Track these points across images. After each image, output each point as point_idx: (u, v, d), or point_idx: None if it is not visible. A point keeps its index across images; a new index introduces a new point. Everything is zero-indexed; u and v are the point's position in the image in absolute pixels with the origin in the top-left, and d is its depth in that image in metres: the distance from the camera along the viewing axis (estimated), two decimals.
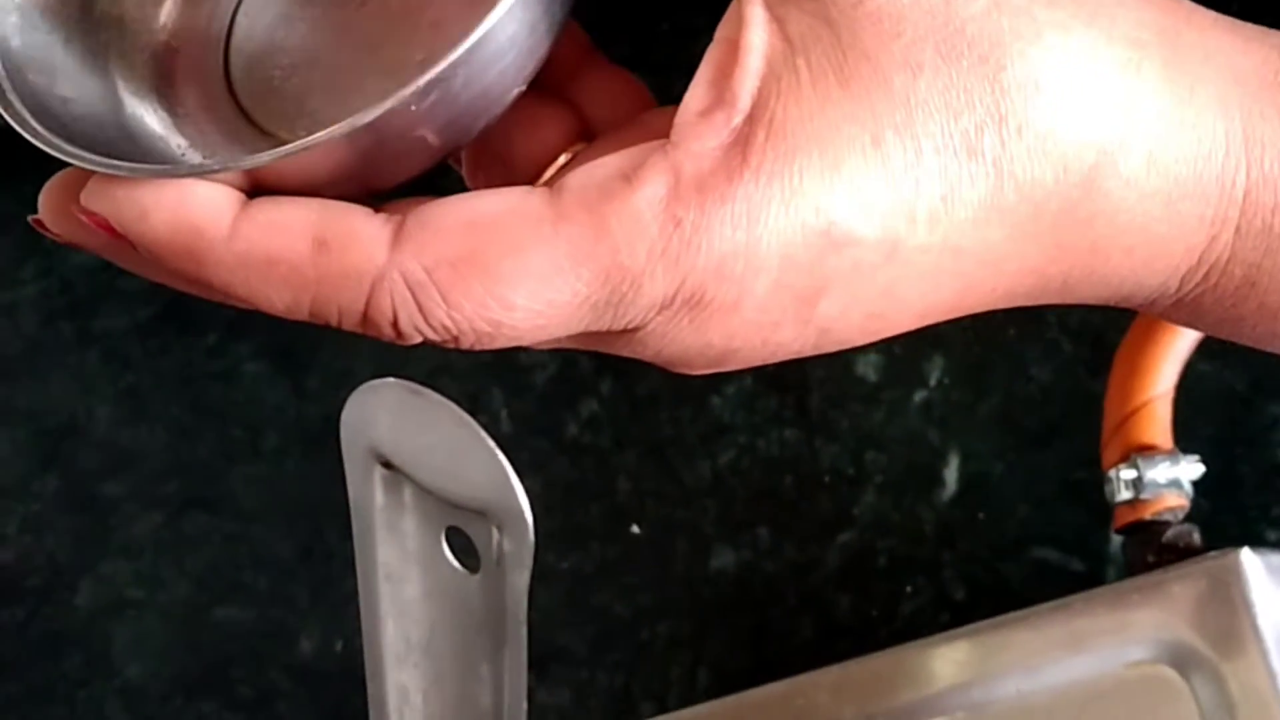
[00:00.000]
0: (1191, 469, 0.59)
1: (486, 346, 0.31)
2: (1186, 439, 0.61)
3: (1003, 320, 0.72)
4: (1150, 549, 0.57)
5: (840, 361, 0.73)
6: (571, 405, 0.77)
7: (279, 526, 0.79)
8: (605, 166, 0.31)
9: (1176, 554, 0.57)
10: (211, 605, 0.79)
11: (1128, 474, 0.58)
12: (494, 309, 0.30)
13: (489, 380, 0.78)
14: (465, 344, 0.31)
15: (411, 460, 0.27)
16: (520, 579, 0.26)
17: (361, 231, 0.31)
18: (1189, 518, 0.59)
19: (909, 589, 0.70)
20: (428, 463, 0.27)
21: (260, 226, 0.31)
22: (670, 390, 0.75)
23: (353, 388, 0.31)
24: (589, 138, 0.35)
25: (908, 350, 0.73)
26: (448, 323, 0.30)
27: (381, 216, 0.31)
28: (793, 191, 0.31)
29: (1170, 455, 0.58)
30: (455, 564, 0.28)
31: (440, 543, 0.28)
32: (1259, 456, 0.68)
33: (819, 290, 0.32)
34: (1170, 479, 0.58)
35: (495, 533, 0.27)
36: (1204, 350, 0.62)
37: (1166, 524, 0.58)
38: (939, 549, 0.71)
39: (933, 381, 0.72)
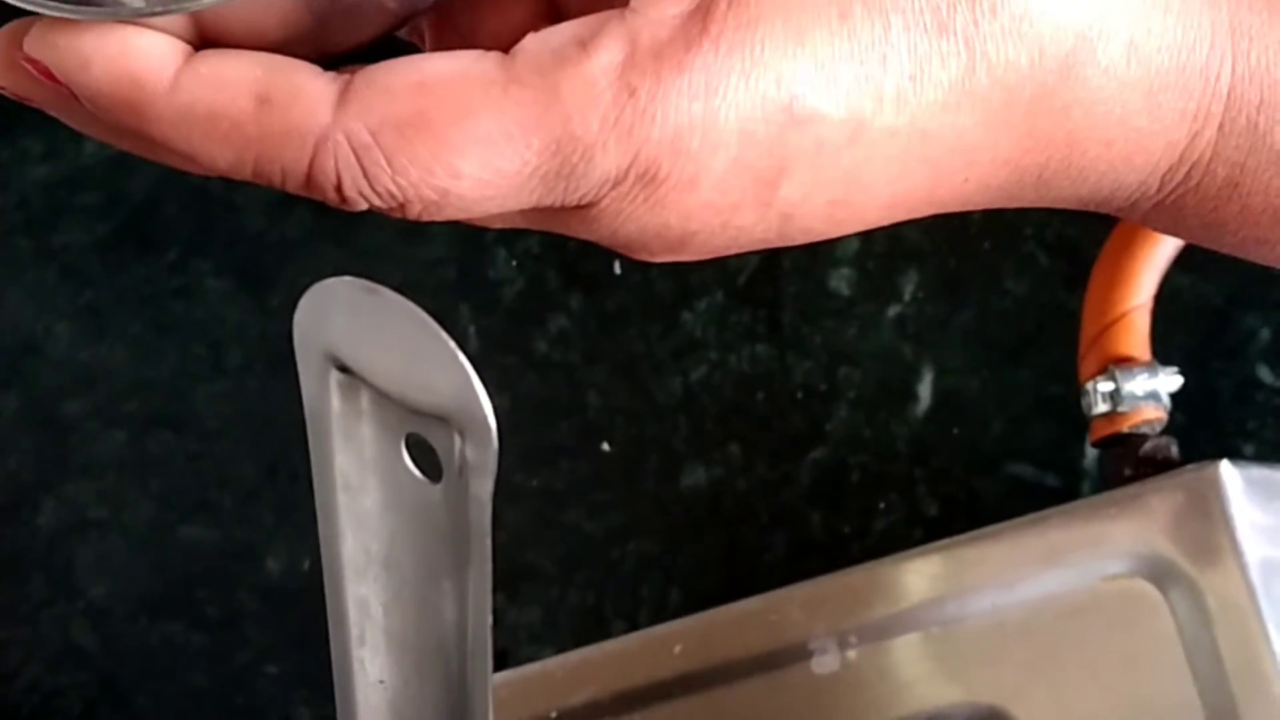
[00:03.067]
0: (1170, 381, 0.58)
1: (434, 216, 0.30)
2: (1163, 352, 0.60)
3: (978, 233, 0.71)
4: (1127, 462, 0.57)
5: (813, 276, 0.72)
6: (540, 321, 0.75)
7: (243, 445, 0.78)
8: (561, 33, 0.30)
9: (1154, 467, 0.56)
10: (176, 525, 0.78)
11: (1105, 386, 0.57)
12: (440, 176, 0.29)
13: (456, 297, 0.76)
14: (412, 213, 0.30)
15: (369, 363, 0.26)
16: (484, 487, 0.25)
17: (306, 89, 0.29)
18: (1166, 431, 0.58)
19: (882, 505, 0.69)
20: (386, 366, 0.26)
21: (202, 80, 0.30)
22: (640, 305, 0.74)
23: None
24: (558, 19, 0.34)
25: (881, 264, 0.72)
26: (392, 188, 0.29)
27: (329, 75, 0.30)
28: (754, 63, 0.30)
29: (1148, 367, 0.58)
30: (416, 473, 0.27)
31: (400, 451, 0.27)
32: (1236, 370, 0.68)
33: (780, 170, 0.31)
34: (1148, 391, 0.57)
35: (457, 439, 0.25)
36: (1181, 263, 0.62)
37: (1144, 437, 0.57)
38: (912, 465, 0.70)
39: (906, 296, 0.71)
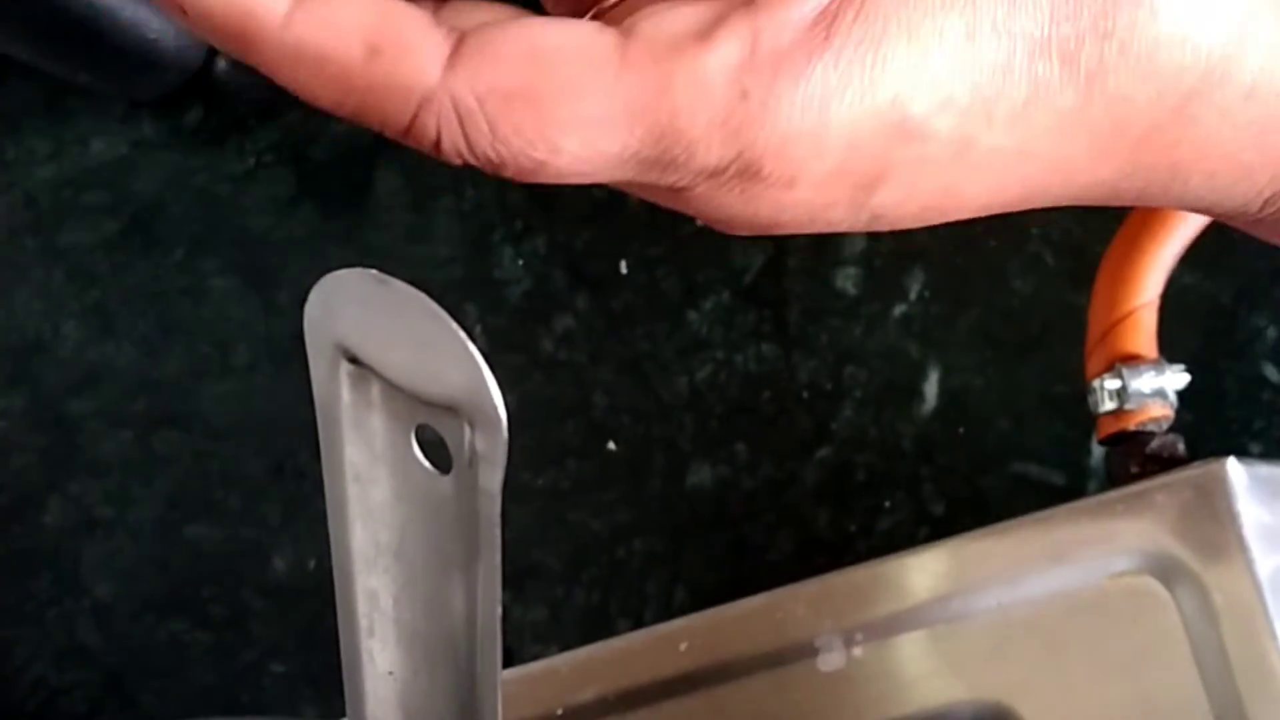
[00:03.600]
0: (1177, 379, 0.58)
1: (529, 180, 0.30)
2: (1170, 350, 0.60)
3: (983, 232, 0.71)
4: (1134, 459, 0.56)
5: (819, 275, 0.72)
6: (546, 321, 0.75)
7: (250, 444, 0.78)
8: (682, 18, 0.29)
9: (1161, 464, 0.56)
10: (182, 524, 0.78)
11: (1112, 384, 0.57)
12: (540, 149, 0.29)
13: (462, 296, 0.76)
14: (506, 173, 0.30)
15: (379, 355, 0.26)
16: (493, 479, 0.25)
17: (417, 44, 0.29)
18: (1173, 428, 0.58)
19: (887, 504, 0.69)
20: (396, 357, 0.26)
21: (315, 22, 0.29)
22: (646, 305, 0.74)
23: None
24: None
25: (887, 263, 0.72)
26: (491, 154, 0.29)
27: (442, 31, 0.29)
28: (872, 80, 0.29)
29: (1155, 364, 0.58)
30: (426, 464, 0.27)
31: (410, 442, 0.27)
32: (1242, 368, 0.68)
33: (879, 178, 0.31)
34: (1155, 388, 0.57)
35: (467, 430, 0.25)
36: (1189, 261, 0.62)
37: (1151, 434, 0.57)
38: (918, 464, 0.70)
39: (913, 295, 0.71)
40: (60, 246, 0.82)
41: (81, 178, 0.82)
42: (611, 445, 0.73)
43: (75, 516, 0.79)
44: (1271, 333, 0.68)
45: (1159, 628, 0.50)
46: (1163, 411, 0.58)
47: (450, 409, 0.26)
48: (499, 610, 0.27)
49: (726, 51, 0.29)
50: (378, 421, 0.27)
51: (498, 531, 0.26)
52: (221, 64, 0.82)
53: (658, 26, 0.29)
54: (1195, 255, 0.61)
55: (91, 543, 0.79)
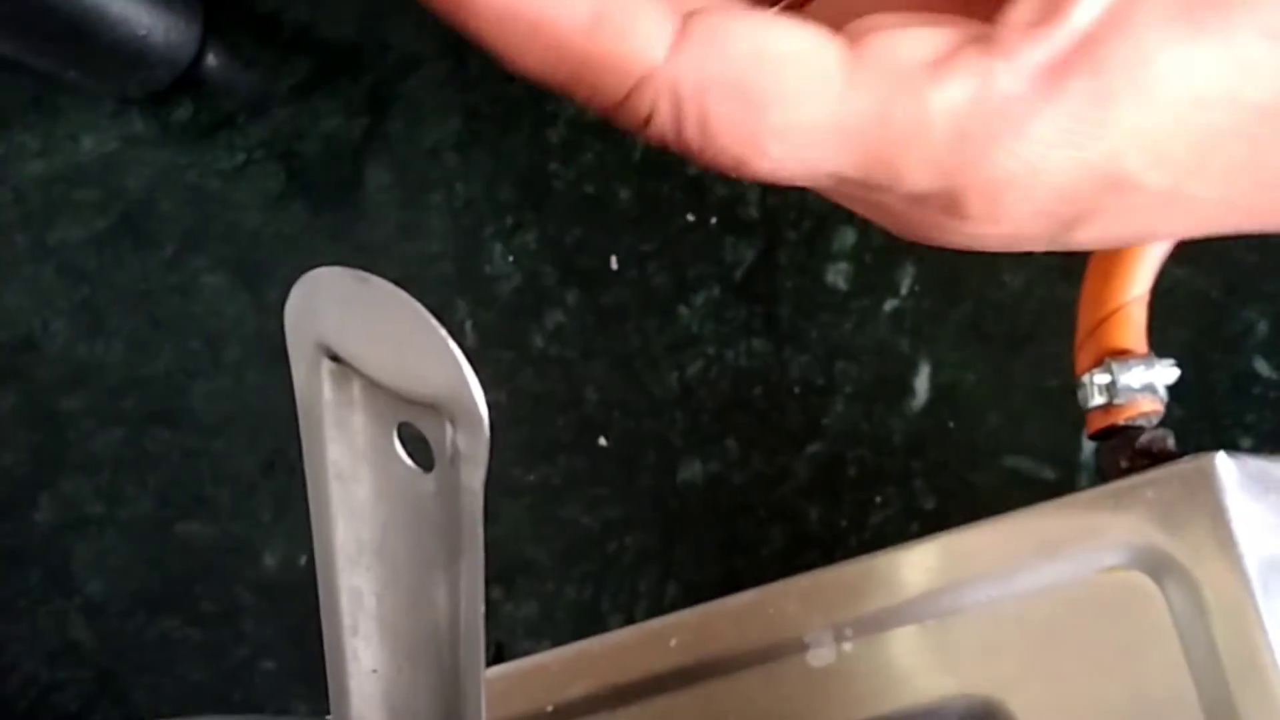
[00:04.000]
0: (1167, 373, 0.58)
1: (724, 173, 0.29)
2: (1160, 345, 0.60)
3: None
4: (1124, 454, 0.56)
5: (810, 271, 0.72)
6: (537, 316, 0.75)
7: (240, 441, 0.78)
8: (914, 45, 0.28)
9: (1150, 459, 0.56)
10: (173, 521, 0.78)
11: (1102, 378, 0.57)
12: (748, 150, 0.29)
13: (453, 292, 0.76)
14: (703, 161, 0.29)
15: (360, 353, 0.26)
16: (475, 477, 0.25)
17: (643, 20, 0.28)
18: (1163, 423, 0.58)
19: (878, 499, 0.69)
20: (377, 355, 0.26)
21: None
22: (637, 300, 0.74)
23: None
24: None
25: (878, 258, 0.72)
26: (697, 142, 0.29)
27: (665, 8, 0.29)
28: (1093, 137, 0.29)
29: (1145, 359, 0.57)
30: (408, 462, 0.27)
31: (392, 440, 0.27)
32: (1233, 362, 0.68)
33: (1083, 219, 0.30)
34: (1145, 383, 0.57)
35: (449, 428, 0.25)
36: (1179, 255, 0.61)
37: (1140, 429, 0.57)
38: (909, 459, 0.70)
39: (904, 290, 0.71)
40: (50, 243, 0.82)
41: (71, 174, 0.82)
42: (603, 441, 0.73)
43: (66, 514, 0.79)
44: (1262, 327, 0.68)
45: (1149, 622, 0.50)
46: (1152, 406, 0.58)
47: (432, 407, 0.26)
48: (482, 607, 0.27)
49: (955, 91, 0.28)
50: (359, 419, 0.27)
51: (480, 529, 0.26)
52: (211, 60, 0.82)
53: (889, 51, 0.29)
54: (1185, 249, 0.61)
55: (82, 540, 0.79)
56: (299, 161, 0.79)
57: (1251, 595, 0.50)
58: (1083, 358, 0.58)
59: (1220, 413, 0.67)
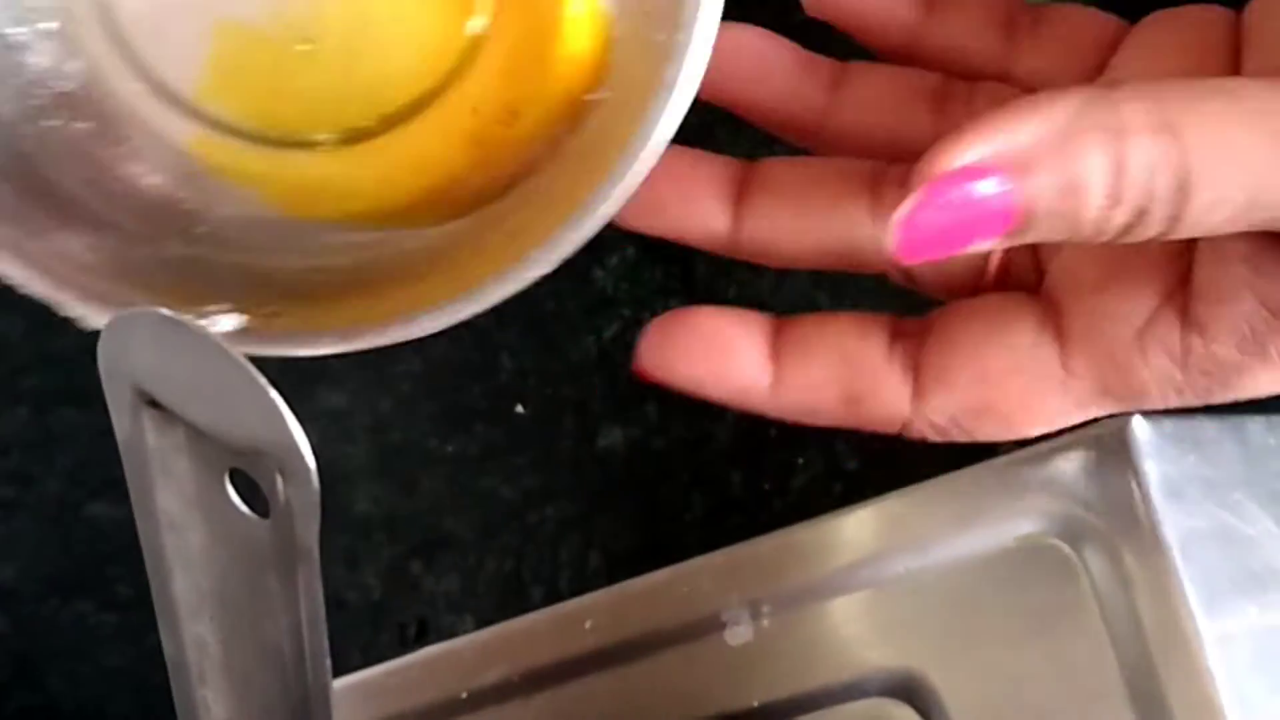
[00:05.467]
0: None
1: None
2: None
3: None
4: None
5: None
6: None
7: None
8: (1115, 320, 0.36)
9: None
10: (84, 502, 0.76)
11: None
12: (1001, 436, 0.38)
13: None
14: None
15: (180, 399, 0.24)
16: (308, 530, 0.24)
17: (884, 386, 0.38)
18: None
19: (801, 461, 0.68)
20: (197, 401, 0.24)
21: (797, 389, 0.39)
22: None
23: None
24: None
25: None
26: (961, 439, 0.39)
27: (899, 369, 0.37)
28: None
29: None
30: (243, 508, 0.25)
31: (224, 486, 0.25)
32: None
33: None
34: None
35: (278, 478, 0.24)
36: None
37: None
38: None
39: None
40: None
41: None
42: (520, 408, 0.71)
43: None
44: None
45: (1068, 590, 0.49)
46: None
47: (260, 453, 0.24)
48: (327, 658, 0.26)
49: (1165, 368, 0.36)
50: (187, 466, 0.26)
51: (318, 580, 0.25)
52: None
53: (1093, 330, 0.37)
54: None
55: None
56: None
57: (1170, 560, 0.49)
58: None
59: None
